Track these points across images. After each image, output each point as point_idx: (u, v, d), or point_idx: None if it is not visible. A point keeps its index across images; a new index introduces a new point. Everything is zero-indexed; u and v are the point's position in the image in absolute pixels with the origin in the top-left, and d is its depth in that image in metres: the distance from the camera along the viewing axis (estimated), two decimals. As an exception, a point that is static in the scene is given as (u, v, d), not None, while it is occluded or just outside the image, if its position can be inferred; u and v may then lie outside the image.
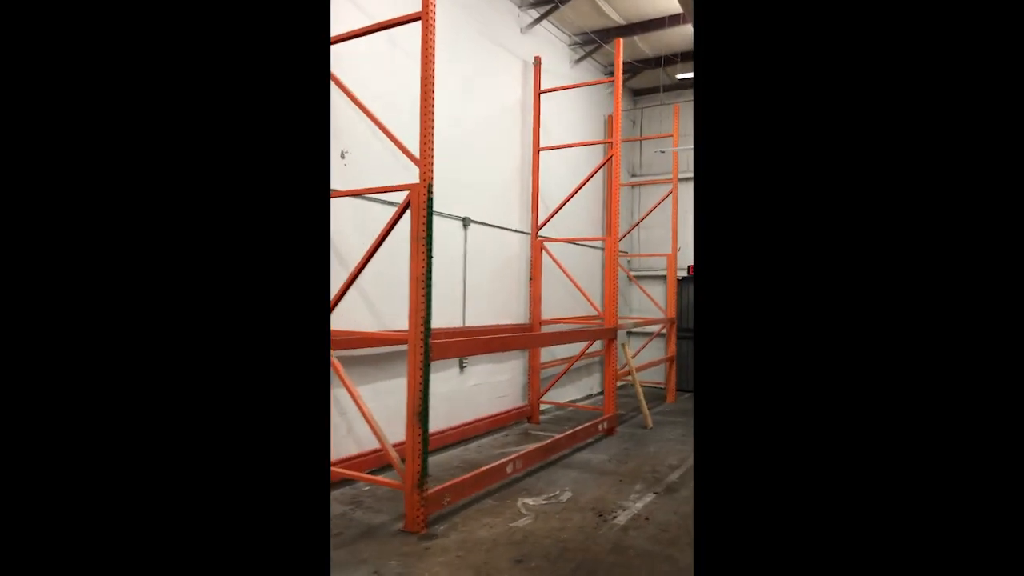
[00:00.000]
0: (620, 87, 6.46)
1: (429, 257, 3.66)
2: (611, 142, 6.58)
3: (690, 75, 9.10)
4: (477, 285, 6.26)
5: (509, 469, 4.53)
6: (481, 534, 3.68)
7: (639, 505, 4.25)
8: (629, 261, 10.24)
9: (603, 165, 6.63)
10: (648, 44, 8.46)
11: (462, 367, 5.99)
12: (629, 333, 10.05)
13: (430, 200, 3.68)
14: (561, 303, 7.67)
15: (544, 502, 4.27)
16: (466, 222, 6.01)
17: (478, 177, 6.27)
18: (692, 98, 9.81)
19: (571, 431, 5.61)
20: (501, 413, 6.56)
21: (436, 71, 5.66)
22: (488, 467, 4.34)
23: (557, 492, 4.48)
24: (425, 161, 3.71)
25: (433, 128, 3.75)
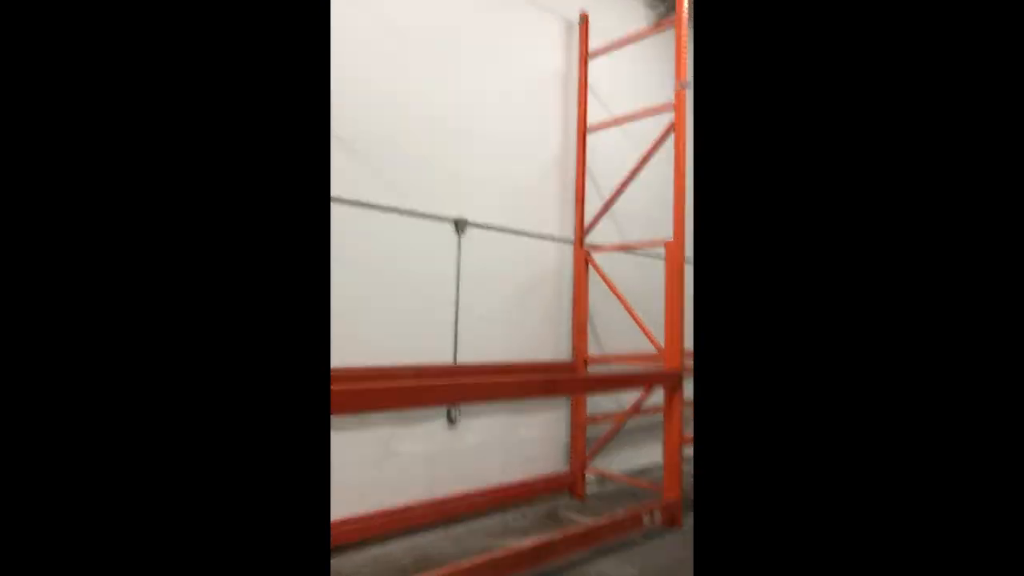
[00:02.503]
0: (684, 29, 4.55)
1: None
2: (675, 107, 4.67)
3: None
4: (486, 311, 4.70)
5: (429, 595, 2.88)
6: None
7: None
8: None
9: (660, 142, 4.72)
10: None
11: (451, 419, 4.45)
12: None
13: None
14: (628, 335, 5.74)
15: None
16: (460, 225, 4.52)
17: (491, 169, 4.77)
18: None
19: (583, 529, 3.75)
20: (522, 483, 4.85)
21: (413, 36, 4.27)
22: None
23: (495, 647, 2.72)
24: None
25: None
